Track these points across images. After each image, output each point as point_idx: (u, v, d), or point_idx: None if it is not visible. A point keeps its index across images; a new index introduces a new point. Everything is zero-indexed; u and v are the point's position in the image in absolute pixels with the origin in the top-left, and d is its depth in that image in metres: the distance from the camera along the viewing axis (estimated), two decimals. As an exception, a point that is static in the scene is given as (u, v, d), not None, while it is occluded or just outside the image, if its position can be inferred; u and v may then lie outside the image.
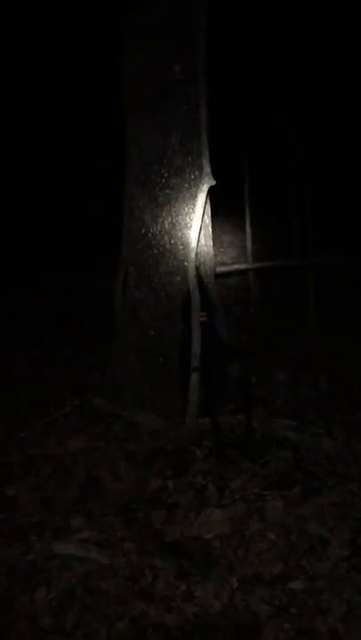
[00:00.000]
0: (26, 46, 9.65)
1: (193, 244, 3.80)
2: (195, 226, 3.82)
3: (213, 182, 3.86)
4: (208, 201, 4.02)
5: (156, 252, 4.03)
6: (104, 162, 10.00)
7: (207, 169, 3.85)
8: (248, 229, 8.69)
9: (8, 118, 9.69)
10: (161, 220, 4.00)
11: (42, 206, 10.27)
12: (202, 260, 4.10)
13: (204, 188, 3.86)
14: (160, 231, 4.02)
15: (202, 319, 3.74)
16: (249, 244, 8.65)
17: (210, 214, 4.27)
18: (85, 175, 10.60)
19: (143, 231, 4.06)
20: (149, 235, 4.05)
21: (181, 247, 3.99)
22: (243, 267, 8.54)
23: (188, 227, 3.96)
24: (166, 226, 4.00)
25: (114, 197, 5.05)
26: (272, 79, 9.94)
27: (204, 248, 4.17)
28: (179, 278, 4.00)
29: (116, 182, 4.73)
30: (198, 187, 3.90)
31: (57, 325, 6.98)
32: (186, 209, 3.98)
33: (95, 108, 10.39)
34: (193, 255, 3.78)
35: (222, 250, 10.34)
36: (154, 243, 4.04)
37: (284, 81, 9.55)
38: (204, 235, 4.12)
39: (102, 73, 9.55)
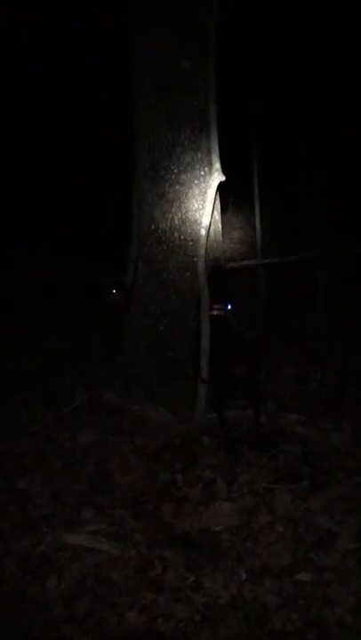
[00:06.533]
0: (29, 45, 9.77)
1: (203, 239, 3.82)
2: (204, 222, 3.83)
3: (223, 178, 3.86)
4: (217, 197, 4.03)
5: (165, 247, 4.06)
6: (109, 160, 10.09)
7: (217, 165, 3.86)
8: (258, 225, 8.66)
9: (11, 116, 9.80)
10: (170, 216, 4.03)
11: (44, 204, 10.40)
12: (211, 255, 4.11)
13: (214, 185, 3.86)
14: (170, 227, 4.04)
15: (217, 312, 3.75)
16: (258, 240, 8.62)
17: (219, 210, 4.29)
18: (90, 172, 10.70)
19: (153, 227, 4.09)
20: (159, 230, 4.07)
21: (191, 243, 4.01)
22: (252, 262, 8.51)
23: (197, 223, 3.97)
24: (176, 222, 4.02)
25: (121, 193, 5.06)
26: (285, 69, 9.96)
27: (214, 244, 4.18)
28: (188, 274, 4.03)
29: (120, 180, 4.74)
30: (208, 183, 3.91)
31: (63, 322, 7.01)
32: (195, 205, 4.00)
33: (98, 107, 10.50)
34: (203, 251, 3.80)
35: (232, 246, 10.33)
36: (163, 239, 4.06)
37: (297, 72, 9.56)
38: (214, 230, 4.14)
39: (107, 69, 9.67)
